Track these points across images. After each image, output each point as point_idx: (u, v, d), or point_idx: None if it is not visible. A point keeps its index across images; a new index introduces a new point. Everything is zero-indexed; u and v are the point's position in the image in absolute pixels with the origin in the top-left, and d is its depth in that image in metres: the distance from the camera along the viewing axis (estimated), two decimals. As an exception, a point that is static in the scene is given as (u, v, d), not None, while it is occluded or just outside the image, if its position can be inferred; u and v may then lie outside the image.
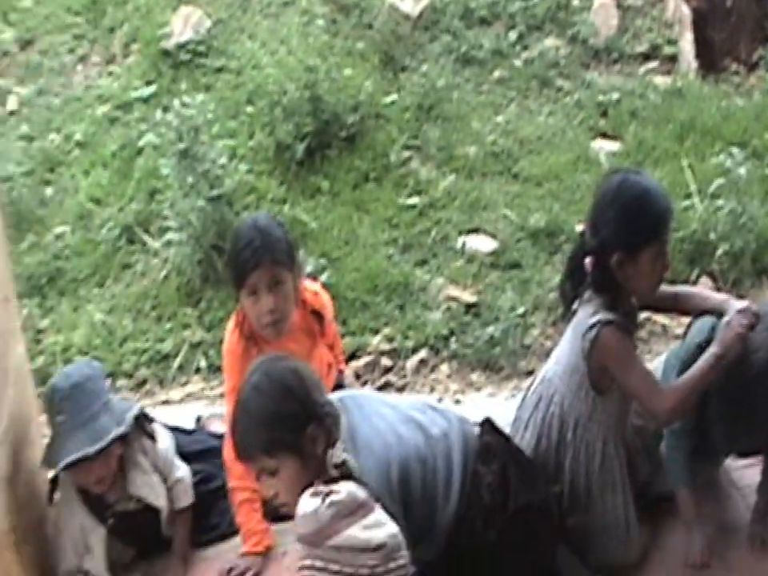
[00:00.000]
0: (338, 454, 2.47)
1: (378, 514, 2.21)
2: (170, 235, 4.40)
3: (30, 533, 3.01)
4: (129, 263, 4.48)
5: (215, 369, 3.92)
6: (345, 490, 2.20)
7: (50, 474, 3.07)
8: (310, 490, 2.24)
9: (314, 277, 3.80)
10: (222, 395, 3.80)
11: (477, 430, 2.76)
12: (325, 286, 4.14)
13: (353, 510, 2.17)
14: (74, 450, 2.86)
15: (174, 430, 3.27)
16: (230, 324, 3.10)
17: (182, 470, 3.14)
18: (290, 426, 2.45)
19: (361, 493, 2.22)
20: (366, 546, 2.14)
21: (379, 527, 2.18)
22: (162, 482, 3.08)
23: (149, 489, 3.04)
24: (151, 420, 3.14)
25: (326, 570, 2.15)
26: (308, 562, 2.18)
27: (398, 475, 2.51)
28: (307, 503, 2.20)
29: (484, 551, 2.61)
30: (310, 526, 2.19)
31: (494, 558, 2.60)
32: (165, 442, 3.13)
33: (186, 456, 3.20)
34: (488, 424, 2.77)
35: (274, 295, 2.93)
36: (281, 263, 2.94)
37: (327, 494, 2.19)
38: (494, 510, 2.62)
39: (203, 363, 3.97)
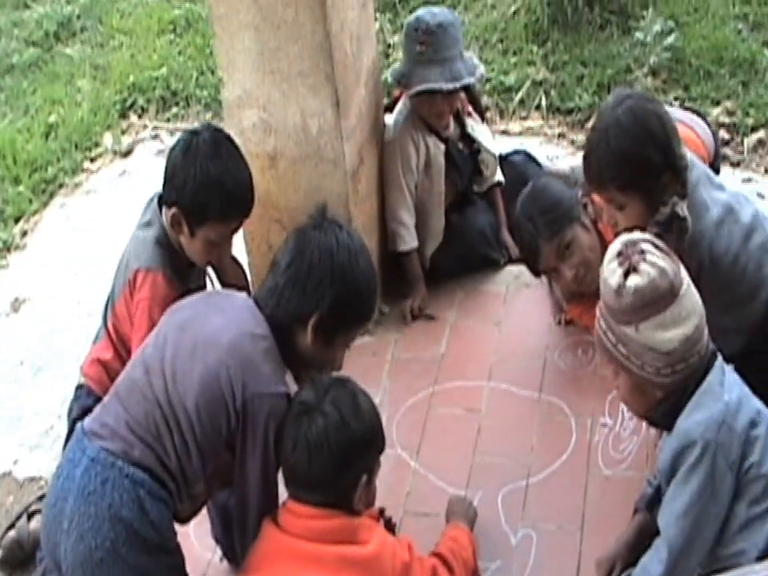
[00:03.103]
0: (683, 208, 2.44)
1: (680, 305, 2.04)
2: (520, -27, 4.43)
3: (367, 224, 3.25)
4: (480, -5, 4.57)
5: (555, 109, 4.03)
6: (647, 273, 2.04)
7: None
8: (618, 244, 2.11)
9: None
10: (559, 135, 3.94)
11: None
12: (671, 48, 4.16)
13: (650, 302, 2.03)
14: (429, 80, 3.07)
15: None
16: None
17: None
18: (646, 171, 2.42)
19: (664, 280, 2.04)
20: (654, 347, 2.04)
21: (675, 325, 2.03)
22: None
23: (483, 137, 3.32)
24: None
25: (617, 347, 2.09)
26: (604, 326, 2.11)
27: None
28: (611, 270, 2.08)
29: None
30: (608, 299, 2.08)
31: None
32: None
33: None
34: None
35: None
36: None
37: (631, 270, 2.05)
38: None
39: (543, 101, 4.07)
